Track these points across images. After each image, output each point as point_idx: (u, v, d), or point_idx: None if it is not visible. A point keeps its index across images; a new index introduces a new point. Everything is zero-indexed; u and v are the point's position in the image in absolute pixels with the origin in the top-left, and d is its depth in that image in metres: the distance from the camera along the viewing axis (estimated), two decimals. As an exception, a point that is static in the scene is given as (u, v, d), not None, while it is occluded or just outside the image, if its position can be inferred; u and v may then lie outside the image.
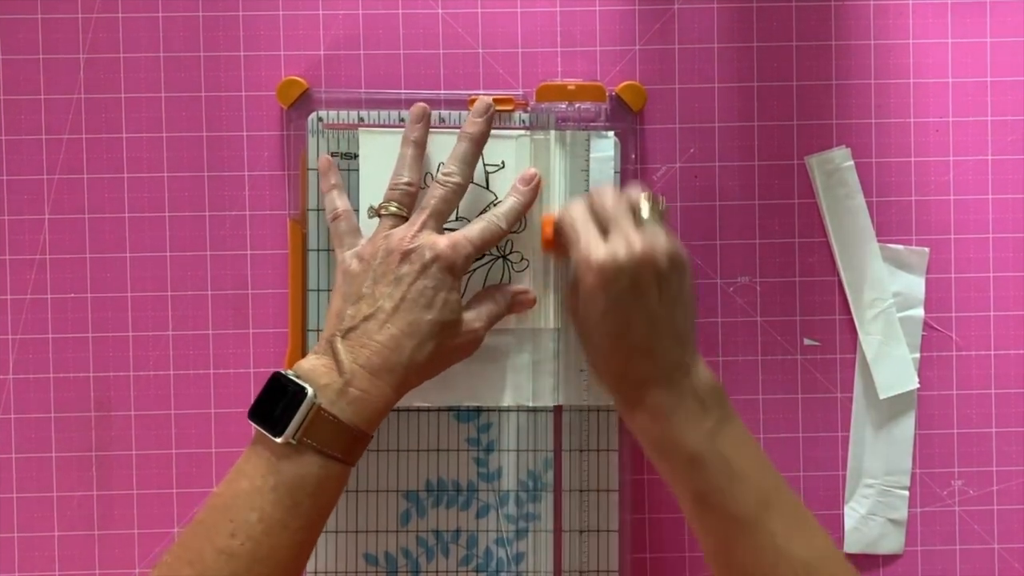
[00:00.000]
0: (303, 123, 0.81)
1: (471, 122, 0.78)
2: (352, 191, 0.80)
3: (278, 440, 0.69)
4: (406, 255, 0.73)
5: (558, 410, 0.82)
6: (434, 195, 0.76)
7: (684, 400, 0.70)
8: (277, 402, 0.69)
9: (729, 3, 0.83)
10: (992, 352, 0.83)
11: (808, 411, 0.83)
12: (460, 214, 0.79)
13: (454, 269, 0.74)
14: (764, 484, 0.70)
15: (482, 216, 0.78)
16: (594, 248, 0.71)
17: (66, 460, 0.83)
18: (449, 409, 0.82)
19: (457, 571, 0.82)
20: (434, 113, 0.81)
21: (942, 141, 0.83)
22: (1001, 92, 0.83)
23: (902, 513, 0.83)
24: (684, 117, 0.83)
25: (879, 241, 0.83)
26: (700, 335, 0.83)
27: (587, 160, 0.81)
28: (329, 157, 0.80)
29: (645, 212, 0.73)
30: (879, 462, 0.83)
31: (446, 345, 0.74)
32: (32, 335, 0.83)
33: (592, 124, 0.81)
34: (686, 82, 0.83)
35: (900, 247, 0.83)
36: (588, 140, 0.81)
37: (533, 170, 0.79)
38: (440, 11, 0.83)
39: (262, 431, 0.69)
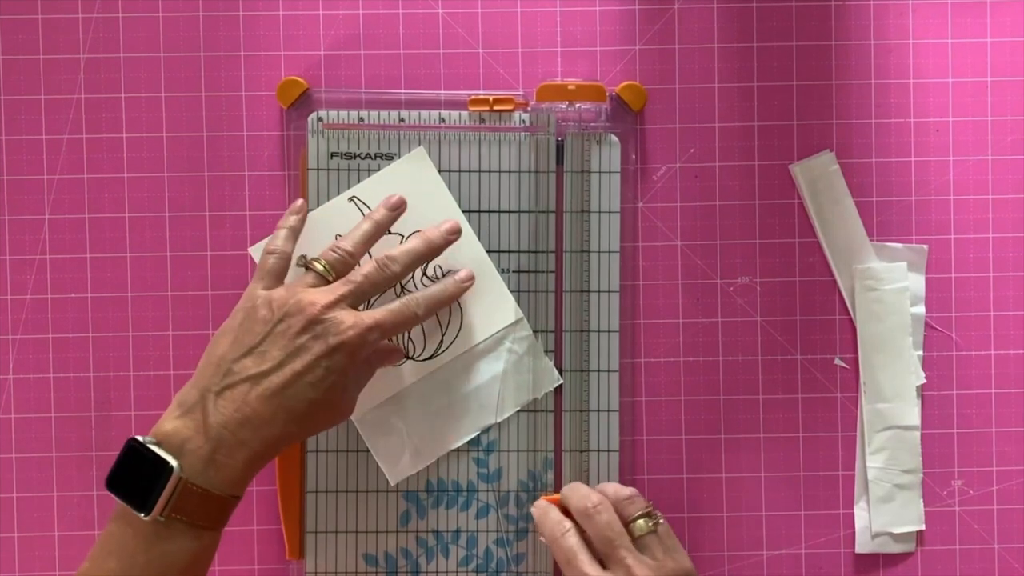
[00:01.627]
0: (303, 123, 0.81)
1: (439, 233, 0.78)
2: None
3: (145, 518, 0.66)
4: (309, 324, 0.70)
5: (558, 410, 0.82)
6: (364, 272, 0.73)
7: None
8: (138, 474, 0.66)
9: (729, 3, 0.83)
10: (992, 352, 0.83)
11: (808, 411, 0.83)
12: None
13: (355, 356, 0.71)
14: None
15: (402, 299, 0.75)
16: None
17: (66, 460, 0.83)
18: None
19: (457, 571, 0.82)
20: (434, 113, 0.81)
21: (942, 141, 0.83)
22: (1001, 92, 0.83)
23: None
24: (684, 117, 0.83)
25: (879, 240, 0.83)
26: (701, 336, 0.83)
27: (586, 160, 0.81)
28: (303, 202, 0.78)
29: (641, 530, 0.73)
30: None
31: (319, 420, 0.72)
32: (32, 335, 0.83)
33: (592, 124, 0.81)
34: (686, 82, 0.83)
35: (899, 245, 0.83)
36: (588, 140, 0.81)
37: (462, 273, 0.79)
38: (440, 11, 0.83)
39: (123, 504, 0.67)
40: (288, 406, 0.69)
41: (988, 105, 0.83)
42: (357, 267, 0.74)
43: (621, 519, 0.73)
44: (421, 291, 0.77)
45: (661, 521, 0.74)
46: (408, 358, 0.81)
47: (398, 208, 0.78)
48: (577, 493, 0.75)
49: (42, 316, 0.83)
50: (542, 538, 0.77)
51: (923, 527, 0.83)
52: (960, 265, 0.83)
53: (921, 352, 0.83)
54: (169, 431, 0.67)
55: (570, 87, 0.81)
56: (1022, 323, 0.83)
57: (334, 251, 0.74)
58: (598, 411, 0.82)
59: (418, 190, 0.80)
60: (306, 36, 0.83)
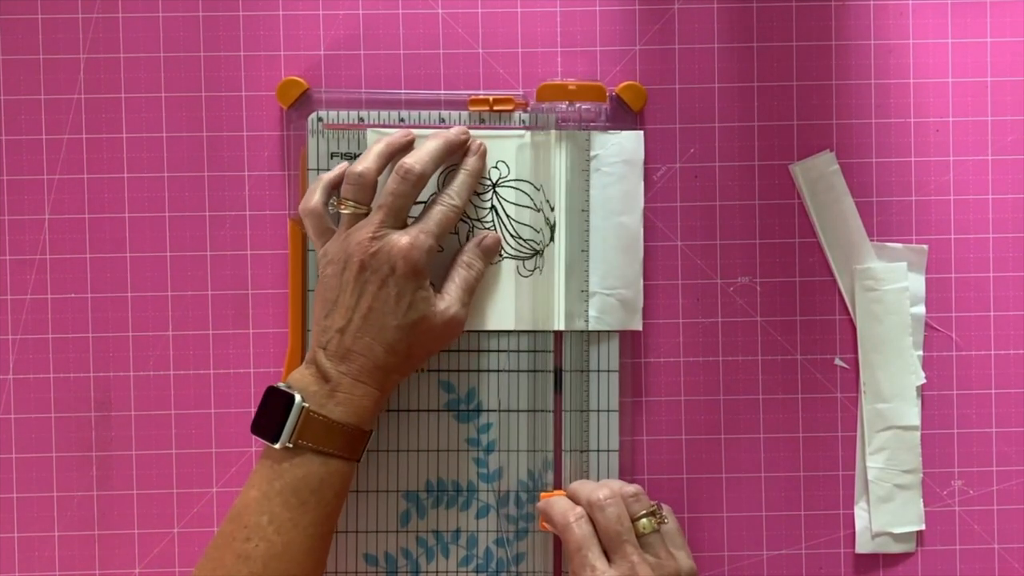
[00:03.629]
0: (303, 123, 0.81)
1: (454, 131, 0.79)
2: None
3: (276, 446, 0.73)
4: (363, 263, 0.74)
5: (558, 410, 0.82)
6: (389, 190, 0.76)
7: None
8: (272, 413, 0.74)
9: (729, 3, 0.83)
10: (992, 352, 0.83)
11: (808, 411, 0.83)
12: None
13: (417, 271, 0.75)
14: None
15: (435, 200, 0.78)
16: None
17: (66, 460, 0.83)
18: (448, 410, 0.82)
19: (457, 571, 0.82)
20: (434, 113, 0.81)
21: (942, 141, 0.83)
22: (1001, 92, 0.83)
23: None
24: (684, 117, 0.83)
25: (879, 240, 0.83)
26: (701, 336, 0.83)
27: (588, 160, 0.81)
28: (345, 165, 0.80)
29: (645, 529, 0.75)
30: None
31: (421, 339, 0.76)
32: (32, 335, 0.83)
33: (592, 124, 0.81)
34: (686, 82, 0.83)
35: (899, 245, 0.83)
36: (588, 139, 0.81)
37: (475, 141, 0.80)
38: (440, 11, 0.83)
39: (265, 442, 0.74)
40: (379, 338, 0.74)
41: (988, 105, 0.83)
42: (382, 186, 0.77)
43: None
44: (450, 185, 0.79)
45: (667, 520, 0.76)
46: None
47: (408, 136, 0.79)
48: (586, 486, 0.78)
49: (42, 316, 0.83)
50: (547, 526, 0.78)
51: (923, 527, 0.83)
52: (960, 265, 0.83)
53: (921, 352, 0.83)
54: (297, 378, 0.75)
55: (570, 87, 0.81)
56: (1022, 323, 0.84)
57: (349, 183, 0.76)
58: (598, 411, 0.82)
59: None
60: (306, 36, 0.83)
